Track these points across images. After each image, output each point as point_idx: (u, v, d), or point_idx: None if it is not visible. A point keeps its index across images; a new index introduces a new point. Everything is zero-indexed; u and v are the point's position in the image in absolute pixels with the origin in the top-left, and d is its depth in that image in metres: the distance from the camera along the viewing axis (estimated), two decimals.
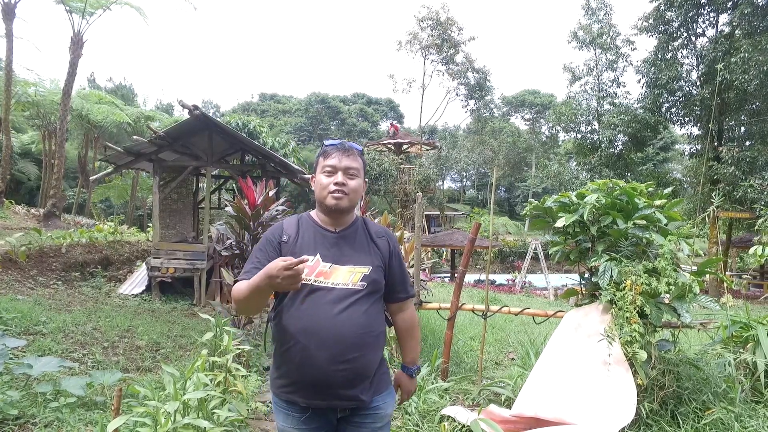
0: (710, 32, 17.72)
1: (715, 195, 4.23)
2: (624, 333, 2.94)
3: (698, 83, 17.71)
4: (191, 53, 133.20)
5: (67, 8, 14.80)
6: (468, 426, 3.04)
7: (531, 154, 40.88)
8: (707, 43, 17.52)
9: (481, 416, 3.05)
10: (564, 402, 2.97)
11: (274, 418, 1.81)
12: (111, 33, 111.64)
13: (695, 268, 3.30)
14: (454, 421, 3.24)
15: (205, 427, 2.47)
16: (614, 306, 3.06)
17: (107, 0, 15.27)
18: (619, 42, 21.99)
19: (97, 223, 17.16)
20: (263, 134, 19.77)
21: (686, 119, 18.57)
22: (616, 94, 22.40)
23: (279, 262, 1.43)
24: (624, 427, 2.74)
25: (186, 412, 2.55)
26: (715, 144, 16.90)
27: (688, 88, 18.00)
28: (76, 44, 14.80)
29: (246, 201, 6.09)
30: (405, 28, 69.84)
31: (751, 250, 5.74)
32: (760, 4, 15.36)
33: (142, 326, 6.19)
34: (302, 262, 1.44)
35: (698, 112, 17.44)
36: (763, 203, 13.97)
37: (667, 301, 3.13)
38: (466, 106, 36.72)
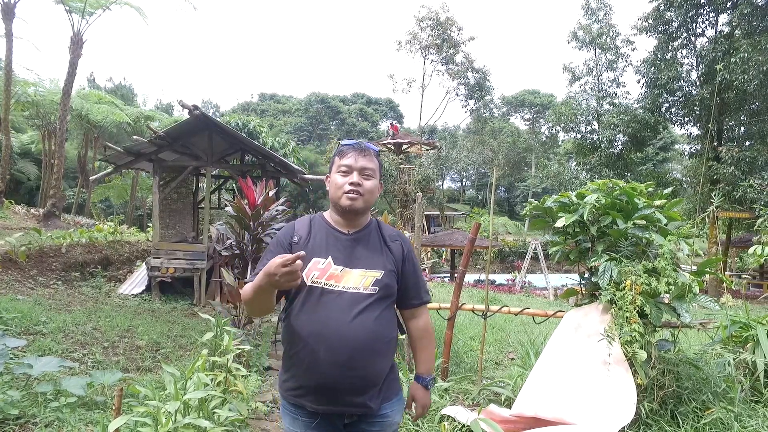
0: (710, 32, 17.74)
1: (714, 195, 4.23)
2: (624, 333, 2.94)
3: (698, 83, 17.71)
4: (191, 53, 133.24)
5: (67, 8, 14.81)
6: (468, 426, 3.04)
7: (531, 154, 40.89)
8: (707, 43, 17.53)
9: (481, 416, 3.05)
10: (564, 402, 2.98)
11: (282, 420, 1.78)
12: (111, 33, 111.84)
13: (695, 268, 3.30)
14: (454, 420, 3.24)
15: (205, 427, 2.47)
16: (614, 306, 3.06)
17: (107, 0, 15.27)
18: (619, 42, 22.00)
19: (96, 223, 17.16)
20: (263, 134, 19.78)
21: (686, 119, 18.58)
22: (616, 94, 22.41)
23: (276, 260, 1.40)
24: (624, 427, 2.74)
25: (186, 411, 2.55)
26: (715, 144, 16.90)
27: (687, 88, 18.01)
28: (76, 44, 14.80)
29: (246, 201, 6.09)
30: (405, 28, 69.89)
31: (751, 250, 5.74)
32: (760, 4, 15.37)
33: (142, 326, 6.19)
34: (298, 258, 1.41)
35: (698, 112, 17.45)
36: (762, 203, 13.98)
37: (666, 301, 3.13)
38: (465, 106, 36.74)
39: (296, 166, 11.73)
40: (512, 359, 5.21)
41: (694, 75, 18.10)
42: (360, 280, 1.64)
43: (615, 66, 22.17)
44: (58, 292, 7.76)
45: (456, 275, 4.19)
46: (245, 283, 1.68)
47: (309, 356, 1.59)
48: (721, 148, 16.27)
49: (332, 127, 58.01)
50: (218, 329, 3.35)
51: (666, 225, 3.21)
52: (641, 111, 18.93)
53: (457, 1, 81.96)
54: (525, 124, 48.50)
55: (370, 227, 1.78)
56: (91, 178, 15.36)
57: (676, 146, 33.74)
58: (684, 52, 18.18)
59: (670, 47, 17.96)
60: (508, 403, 3.52)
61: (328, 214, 1.79)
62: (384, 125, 54.01)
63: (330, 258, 1.66)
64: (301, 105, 59.64)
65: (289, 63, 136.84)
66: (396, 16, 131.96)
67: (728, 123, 17.76)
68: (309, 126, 57.36)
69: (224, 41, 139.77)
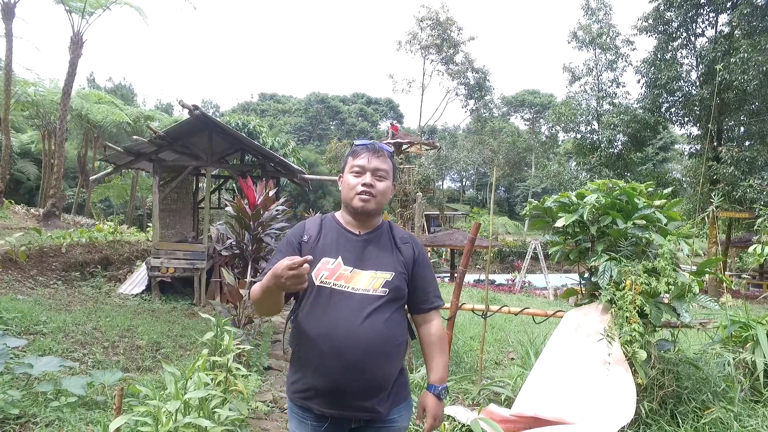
0: (710, 32, 17.74)
1: (714, 195, 4.24)
2: (624, 332, 2.94)
3: (698, 83, 17.72)
4: (191, 53, 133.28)
5: (67, 8, 14.80)
6: (468, 425, 3.04)
7: (531, 154, 40.91)
8: (707, 44, 17.53)
9: (481, 416, 3.06)
10: (564, 401, 2.98)
11: (284, 421, 1.76)
12: (111, 33, 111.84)
13: (695, 267, 3.30)
14: (454, 420, 3.25)
15: (206, 427, 2.47)
16: (614, 306, 3.06)
17: (107, 0, 15.27)
18: (619, 42, 22.00)
19: (96, 222, 17.16)
20: (263, 134, 19.79)
21: (686, 119, 18.59)
22: (616, 94, 22.42)
23: (284, 262, 1.39)
24: (624, 427, 2.75)
25: (187, 411, 2.56)
26: (715, 144, 16.91)
27: (687, 88, 18.02)
28: (76, 44, 14.79)
29: (246, 201, 6.09)
30: (405, 28, 69.90)
31: (751, 249, 5.74)
32: (760, 4, 15.37)
33: (143, 326, 6.20)
34: (305, 261, 1.39)
35: (698, 112, 17.46)
36: (762, 203, 13.98)
37: (666, 301, 3.14)
38: (465, 106, 36.77)
39: (296, 166, 11.74)
40: (512, 359, 5.21)
41: (693, 75, 18.12)
42: (370, 281, 1.62)
43: (615, 66, 22.18)
44: (58, 292, 7.76)
45: (456, 275, 4.19)
46: (252, 282, 1.67)
47: (317, 358, 1.57)
48: (720, 148, 16.27)
49: (332, 127, 58.02)
50: (218, 329, 3.36)
51: (666, 225, 3.21)
52: (641, 111, 18.94)
53: (457, 1, 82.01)
54: (525, 124, 48.54)
55: (381, 229, 1.76)
56: (91, 178, 15.36)
57: (676, 146, 33.76)
58: (684, 52, 18.19)
59: (669, 47, 17.97)
60: (508, 402, 3.53)
61: (340, 215, 1.77)
62: (384, 125, 54.01)
63: (340, 258, 1.64)
64: (301, 105, 59.66)
65: (289, 63, 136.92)
66: (396, 16, 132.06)
67: (728, 123, 17.76)
68: (309, 126, 57.37)
69: (224, 41, 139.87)
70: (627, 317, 2.95)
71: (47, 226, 13.37)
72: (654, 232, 3.17)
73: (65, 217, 17.17)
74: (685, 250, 3.16)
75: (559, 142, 35.58)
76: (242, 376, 3.33)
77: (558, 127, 27.14)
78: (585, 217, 3.30)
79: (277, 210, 6.43)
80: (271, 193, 6.31)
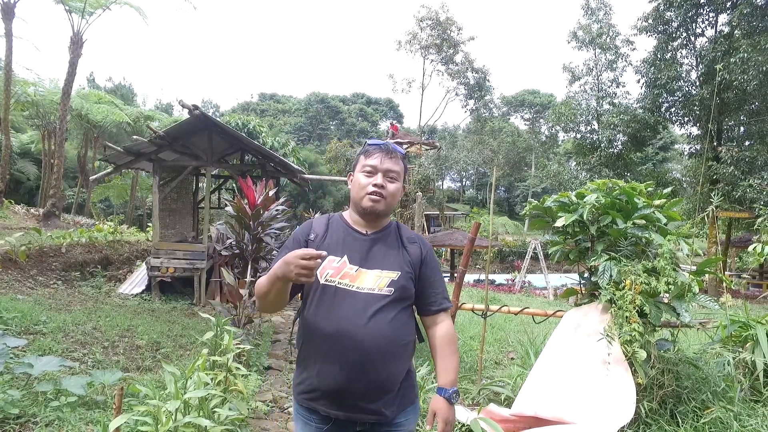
0: (709, 32, 17.74)
1: (714, 195, 4.23)
2: (623, 332, 2.94)
3: (697, 83, 17.72)
4: (191, 53, 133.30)
5: (67, 8, 14.80)
6: (468, 425, 3.04)
7: (530, 154, 40.92)
8: (706, 43, 17.53)
9: (480, 415, 3.06)
10: (564, 401, 2.98)
11: (294, 425, 1.73)
12: (110, 33, 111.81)
13: (694, 267, 3.30)
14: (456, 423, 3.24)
15: (206, 426, 2.47)
16: (614, 305, 3.07)
17: (107, 0, 15.27)
18: (619, 42, 21.99)
19: (96, 222, 17.16)
20: (263, 134, 19.80)
21: (685, 119, 18.59)
22: (616, 94, 22.41)
23: (298, 251, 1.39)
24: (623, 426, 2.75)
25: (187, 411, 2.56)
26: (715, 144, 16.91)
27: (687, 88, 18.02)
28: (76, 44, 14.79)
29: (246, 201, 6.09)
30: (404, 28, 69.89)
31: (750, 248, 5.74)
32: (760, 4, 15.37)
33: (142, 326, 6.20)
34: (319, 256, 1.39)
35: (697, 112, 17.46)
36: (762, 203, 13.99)
37: (666, 301, 3.14)
38: (465, 106, 36.76)
39: (296, 166, 11.74)
40: (512, 359, 5.21)
41: (693, 75, 18.12)
42: (375, 280, 1.60)
43: (615, 66, 22.17)
44: (58, 292, 7.76)
45: (456, 275, 4.19)
46: (252, 282, 1.66)
47: (321, 358, 1.56)
48: (720, 148, 16.28)
49: (332, 127, 58.01)
50: (218, 329, 3.36)
51: (666, 225, 3.21)
52: (641, 111, 18.94)
53: (456, 1, 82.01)
54: (525, 124, 48.55)
55: (389, 229, 1.74)
56: (90, 177, 15.36)
57: (676, 146, 33.77)
58: (684, 52, 18.19)
59: (669, 47, 17.97)
60: (508, 402, 3.53)
61: (348, 214, 1.76)
62: (384, 125, 54.04)
63: (345, 257, 1.63)
64: (301, 105, 59.65)
65: (289, 63, 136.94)
66: (396, 16, 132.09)
67: (728, 123, 17.76)
68: (309, 126, 57.36)
69: (224, 41, 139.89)
70: (627, 317, 2.95)
71: (47, 226, 13.37)
72: (654, 232, 3.17)
73: (65, 217, 17.17)
74: (685, 249, 3.16)
75: (559, 142, 35.57)
76: (242, 375, 3.33)
77: (558, 127, 27.14)
78: (585, 217, 3.30)
79: (277, 210, 6.43)
80: (271, 193, 6.31)
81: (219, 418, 2.71)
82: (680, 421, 2.91)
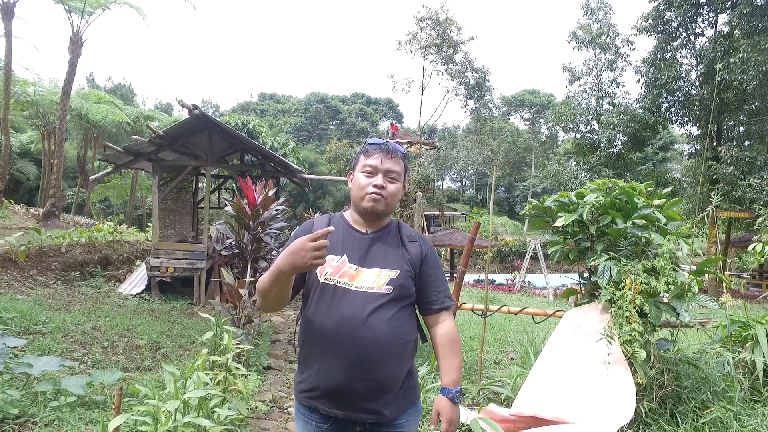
0: (709, 32, 17.74)
1: (714, 195, 4.24)
2: (623, 332, 2.94)
3: (697, 83, 17.72)
4: (191, 53, 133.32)
5: (66, 8, 14.80)
6: (468, 425, 3.04)
7: (530, 153, 40.92)
8: (706, 43, 17.53)
9: (480, 415, 3.06)
10: (563, 401, 2.98)
11: (295, 424, 1.73)
12: (110, 33, 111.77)
13: (694, 267, 3.30)
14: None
15: (205, 426, 2.47)
16: (613, 305, 3.06)
17: (106, 0, 15.26)
18: (619, 42, 21.99)
19: (96, 222, 17.15)
20: (263, 134, 19.80)
21: (685, 119, 18.59)
22: (616, 94, 22.41)
23: (303, 237, 1.37)
24: (623, 426, 2.75)
25: (186, 410, 2.55)
26: (714, 144, 16.91)
27: (687, 88, 18.02)
28: (76, 44, 14.79)
29: (246, 200, 6.09)
30: (404, 27, 69.88)
31: (750, 248, 5.75)
32: (759, 4, 15.37)
33: (142, 326, 6.19)
34: (327, 233, 1.37)
35: (697, 112, 17.46)
36: (762, 203, 13.99)
37: (666, 301, 3.14)
38: (465, 106, 36.76)
39: (296, 166, 11.73)
40: (512, 359, 5.21)
41: (693, 75, 18.12)
42: (374, 279, 1.59)
43: (614, 66, 22.16)
44: (57, 292, 7.76)
45: (455, 275, 4.19)
46: (251, 282, 1.66)
47: (320, 357, 1.56)
48: (720, 148, 16.28)
49: (332, 127, 58.01)
50: (218, 328, 3.35)
51: (665, 224, 3.21)
52: (641, 111, 18.93)
53: (456, 1, 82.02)
54: (525, 124, 48.55)
55: (389, 228, 1.73)
56: (90, 177, 15.36)
57: (676, 146, 33.76)
58: (683, 52, 18.19)
59: (669, 47, 17.97)
60: (508, 402, 3.52)
61: (349, 214, 1.76)
62: (384, 125, 54.06)
63: (345, 256, 1.62)
64: (301, 105, 59.63)
65: (289, 63, 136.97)
66: (396, 16, 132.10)
67: (728, 123, 17.77)
68: (309, 126, 57.35)
69: (224, 41, 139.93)
70: (626, 317, 2.95)
71: (47, 225, 13.36)
72: (653, 232, 3.17)
73: (65, 217, 17.17)
74: (685, 249, 3.16)
75: (559, 142, 35.58)
76: (242, 375, 3.33)
77: (558, 127, 27.13)
78: (585, 217, 3.30)
79: (276, 210, 6.42)
80: (270, 193, 6.30)
81: (218, 418, 2.71)
82: (680, 421, 2.91)
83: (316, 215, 1.89)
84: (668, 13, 17.49)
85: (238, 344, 3.73)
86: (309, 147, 48.27)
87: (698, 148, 18.59)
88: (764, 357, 3.06)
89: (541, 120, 47.44)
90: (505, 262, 28.57)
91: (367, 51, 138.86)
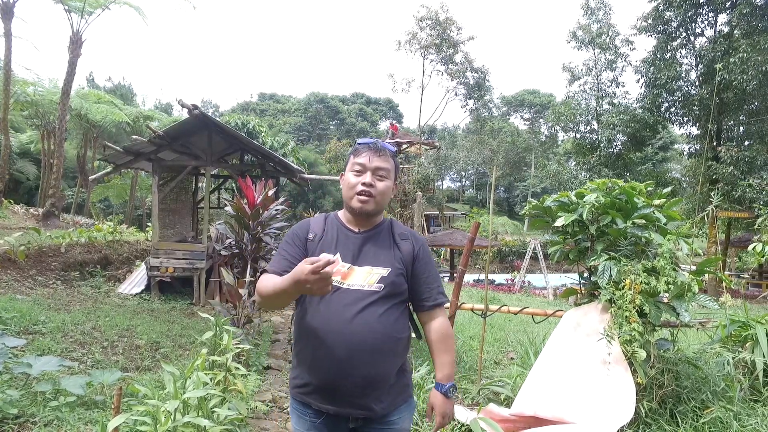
0: (709, 32, 17.75)
1: (713, 195, 4.24)
2: (623, 332, 2.94)
3: (697, 83, 17.72)
4: (191, 53, 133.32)
5: (66, 8, 14.78)
6: (468, 425, 3.04)
7: (530, 153, 40.93)
8: (706, 43, 17.54)
9: (480, 415, 3.06)
10: (563, 401, 2.98)
11: (281, 420, 1.77)
12: (110, 33, 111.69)
13: (694, 267, 3.30)
14: (454, 420, 3.24)
15: (205, 426, 2.47)
16: (613, 305, 3.06)
17: (106, 0, 15.25)
18: (618, 42, 22.00)
19: (96, 222, 17.14)
20: (262, 134, 19.80)
21: (685, 119, 18.59)
22: (615, 94, 22.42)
23: (305, 267, 1.34)
24: (623, 426, 2.75)
25: (186, 410, 2.55)
26: (714, 144, 16.92)
27: (687, 88, 18.02)
28: (75, 44, 14.78)
29: (245, 200, 6.08)
30: (404, 27, 69.85)
31: (750, 247, 5.75)
32: (759, 4, 15.38)
33: (142, 326, 6.19)
34: (329, 263, 1.34)
35: (697, 112, 17.47)
36: (761, 202, 13.99)
37: (666, 301, 3.14)
38: (465, 106, 36.81)
39: (296, 166, 11.73)
40: (512, 359, 5.21)
41: (693, 75, 18.12)
42: (365, 277, 1.62)
43: (614, 66, 22.17)
44: (57, 292, 7.75)
45: (455, 275, 4.19)
46: (251, 282, 1.67)
47: (312, 354, 1.59)
48: (720, 148, 16.28)
49: (332, 127, 58.01)
50: (217, 328, 3.35)
51: (665, 224, 3.21)
52: (640, 111, 18.94)
53: (456, 1, 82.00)
54: (524, 124, 48.59)
55: (381, 226, 1.75)
56: (90, 177, 15.36)
57: (676, 146, 33.77)
58: (683, 51, 18.20)
59: (669, 47, 17.97)
60: (508, 402, 3.52)
61: (342, 213, 1.78)
62: (383, 125, 54.05)
63: (338, 255, 1.65)
64: (301, 105, 59.62)
65: (289, 63, 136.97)
66: (396, 16, 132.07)
67: (727, 123, 17.77)
68: (308, 126, 57.35)
69: (224, 41, 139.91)
70: (626, 316, 2.95)
71: (46, 225, 13.35)
72: (653, 232, 3.17)
73: (64, 217, 17.15)
74: (685, 249, 3.16)
75: (559, 142, 35.59)
76: (241, 375, 3.32)
77: (557, 127, 27.14)
78: (584, 217, 3.29)
79: (276, 209, 6.42)
80: (270, 193, 6.29)
81: (218, 418, 2.70)
82: (680, 421, 2.91)
83: (316, 215, 1.90)
84: (668, 13, 17.49)
85: (238, 344, 3.72)
86: (309, 147, 48.29)
87: (698, 148, 18.61)
88: (764, 357, 3.06)
89: (540, 120, 47.46)
90: (505, 262, 28.59)
91: (367, 51, 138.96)
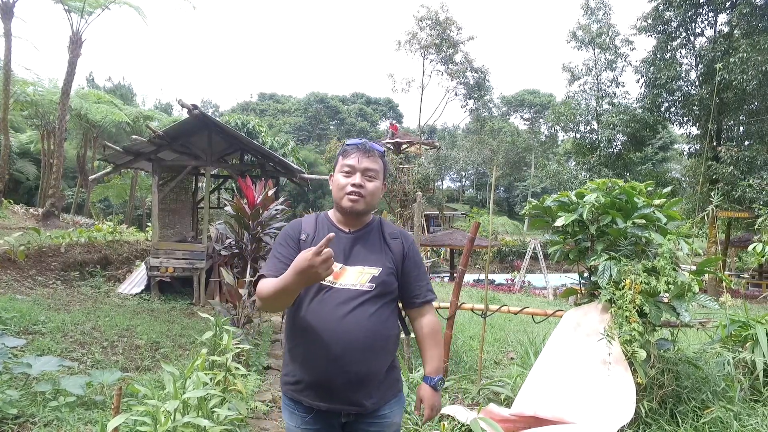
0: (709, 32, 17.75)
1: (713, 194, 4.23)
2: (623, 332, 2.94)
3: (697, 83, 17.72)
4: (190, 53, 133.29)
5: (66, 7, 14.77)
6: (468, 425, 3.04)
7: (530, 153, 40.92)
8: (706, 43, 17.53)
9: (480, 415, 3.05)
10: (563, 401, 2.97)
11: (281, 418, 1.79)
12: (110, 32, 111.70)
13: (694, 267, 3.30)
14: (454, 420, 3.24)
15: (204, 426, 2.46)
16: (613, 305, 3.06)
17: (106, 0, 15.25)
18: (618, 42, 21.99)
19: (96, 222, 17.13)
20: (262, 134, 19.79)
21: (685, 119, 18.58)
22: (615, 94, 22.41)
23: (307, 254, 1.38)
24: (623, 426, 2.74)
25: (186, 411, 2.55)
26: (714, 144, 16.91)
27: (687, 88, 18.01)
28: (75, 44, 14.77)
29: (245, 200, 6.08)
30: (404, 27, 69.84)
31: (750, 248, 5.75)
32: (759, 3, 15.38)
33: (142, 326, 6.19)
34: (329, 241, 1.38)
35: (697, 112, 17.46)
36: (761, 202, 13.99)
37: (666, 300, 3.13)
38: (465, 106, 36.81)
39: (295, 166, 11.72)
40: (512, 359, 5.21)
41: (693, 75, 18.11)
42: (357, 277, 1.65)
43: (614, 66, 22.16)
44: (57, 292, 7.75)
45: (455, 275, 4.19)
46: (251, 282, 1.68)
47: (305, 352, 1.62)
48: (720, 148, 16.28)
49: (332, 127, 58.01)
50: (217, 328, 3.35)
51: (665, 224, 3.21)
52: (640, 111, 18.93)
53: (456, 1, 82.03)
54: (524, 124, 48.58)
55: (371, 225, 1.78)
56: (90, 177, 15.35)
57: (676, 146, 33.78)
58: (683, 51, 18.19)
59: (669, 47, 17.97)
60: (508, 402, 3.52)
61: (332, 213, 1.81)
62: (383, 125, 54.05)
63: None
64: (301, 105, 59.61)
65: (289, 63, 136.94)
66: (396, 16, 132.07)
67: (727, 123, 17.77)
68: (308, 126, 57.34)
69: (224, 41, 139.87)
70: (626, 316, 2.95)
71: (46, 225, 13.35)
72: (654, 232, 3.16)
73: (64, 217, 17.14)
74: (685, 249, 3.16)
75: (559, 142, 35.58)
76: (241, 375, 3.32)
77: (557, 127, 27.11)
78: (585, 217, 3.29)
79: (276, 209, 6.41)
80: (270, 193, 6.29)
81: (218, 418, 2.70)
82: (680, 421, 2.91)
83: (307, 215, 1.91)
84: (668, 13, 17.49)
85: (238, 344, 3.72)
86: (309, 147, 48.30)
87: (698, 148, 18.60)
88: (764, 357, 3.06)
89: (540, 120, 47.45)
90: (505, 262, 28.59)
91: (367, 51, 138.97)
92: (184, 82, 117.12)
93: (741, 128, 18.09)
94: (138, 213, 28.77)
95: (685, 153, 23.67)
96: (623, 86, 22.35)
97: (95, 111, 20.28)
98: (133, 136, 9.36)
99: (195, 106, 8.15)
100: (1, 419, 3.01)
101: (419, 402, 1.81)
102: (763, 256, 5.46)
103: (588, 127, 22.83)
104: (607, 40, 22.05)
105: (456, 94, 35.66)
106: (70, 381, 3.37)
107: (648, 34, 18.60)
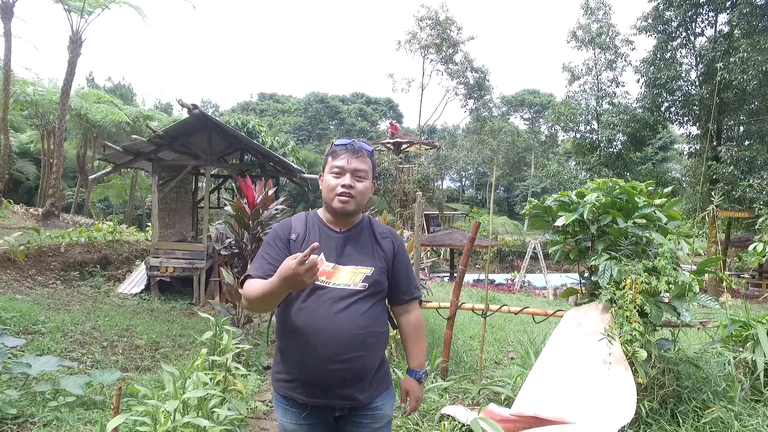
0: (709, 32, 17.73)
1: (714, 194, 4.23)
2: (624, 332, 2.93)
3: (697, 83, 17.70)
4: (190, 53, 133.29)
5: (66, 7, 14.77)
6: (468, 425, 3.03)
7: (530, 153, 40.89)
8: (706, 43, 17.51)
9: (480, 415, 3.05)
10: (564, 401, 2.97)
11: (275, 412, 1.81)
12: (110, 32, 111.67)
13: (695, 267, 3.29)
14: (454, 420, 3.24)
15: (204, 426, 2.46)
16: (614, 305, 3.06)
17: None
18: (618, 42, 21.97)
19: (96, 222, 17.13)
20: (262, 134, 19.77)
21: (685, 119, 18.56)
22: (615, 94, 22.39)
23: (291, 262, 1.39)
24: (624, 426, 2.74)
25: (186, 411, 2.55)
26: (714, 143, 16.90)
27: (687, 88, 17.99)
28: (75, 43, 14.77)
29: (245, 200, 6.08)
30: (404, 27, 69.81)
31: (751, 247, 5.74)
32: (759, 3, 15.37)
33: (141, 326, 6.19)
34: (313, 250, 1.40)
35: (697, 112, 17.44)
36: (762, 202, 13.98)
37: (666, 300, 3.13)
38: (465, 106, 36.79)
39: (295, 166, 11.72)
40: (512, 358, 5.20)
41: (693, 74, 18.09)
42: (350, 276, 1.67)
43: (614, 65, 22.14)
44: (56, 292, 7.74)
45: (455, 274, 4.18)
46: (244, 278, 1.68)
47: (298, 350, 1.64)
48: (720, 148, 16.27)
49: (332, 127, 58.01)
50: (217, 328, 3.34)
51: (666, 224, 3.20)
52: (640, 110, 18.91)
53: (456, 1, 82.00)
54: (524, 124, 48.57)
55: (362, 225, 1.81)
56: (90, 177, 15.35)
57: (676, 146, 33.77)
58: (683, 51, 18.17)
59: (669, 47, 17.95)
60: (508, 402, 3.51)
61: (322, 212, 1.82)
62: (383, 125, 54.08)
63: (322, 255, 1.69)
64: (301, 105, 59.62)
65: (289, 63, 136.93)
66: (396, 16, 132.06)
67: (727, 122, 17.75)
68: (308, 125, 57.34)
69: (224, 41, 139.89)
70: (627, 316, 2.94)
71: (46, 225, 13.35)
72: (654, 231, 3.16)
73: (64, 217, 17.14)
74: (685, 249, 3.15)
75: (559, 142, 35.55)
76: (241, 375, 3.32)
77: (557, 127, 27.08)
78: (585, 216, 3.29)
79: (276, 209, 6.41)
80: (270, 193, 6.29)
81: (218, 418, 2.70)
82: (681, 421, 2.90)
83: (296, 214, 1.93)
84: (668, 13, 17.47)
85: (238, 344, 3.72)
86: (309, 147, 48.31)
87: (698, 147, 18.58)
88: (765, 357, 3.05)
89: (540, 120, 47.43)
90: (505, 262, 28.58)
91: (367, 51, 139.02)
92: (184, 82, 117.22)
93: (741, 128, 18.07)
94: (138, 213, 28.77)
95: (685, 153, 23.66)
96: (623, 86, 22.35)
97: (95, 111, 20.28)
98: (133, 136, 9.36)
99: (195, 106, 8.15)
100: (1, 419, 3.01)
101: (404, 394, 1.90)
102: (763, 256, 5.45)
103: (588, 127, 22.81)
104: (607, 40, 22.04)
105: (456, 94, 35.65)
106: (69, 381, 3.36)
107: (648, 33, 18.58)
